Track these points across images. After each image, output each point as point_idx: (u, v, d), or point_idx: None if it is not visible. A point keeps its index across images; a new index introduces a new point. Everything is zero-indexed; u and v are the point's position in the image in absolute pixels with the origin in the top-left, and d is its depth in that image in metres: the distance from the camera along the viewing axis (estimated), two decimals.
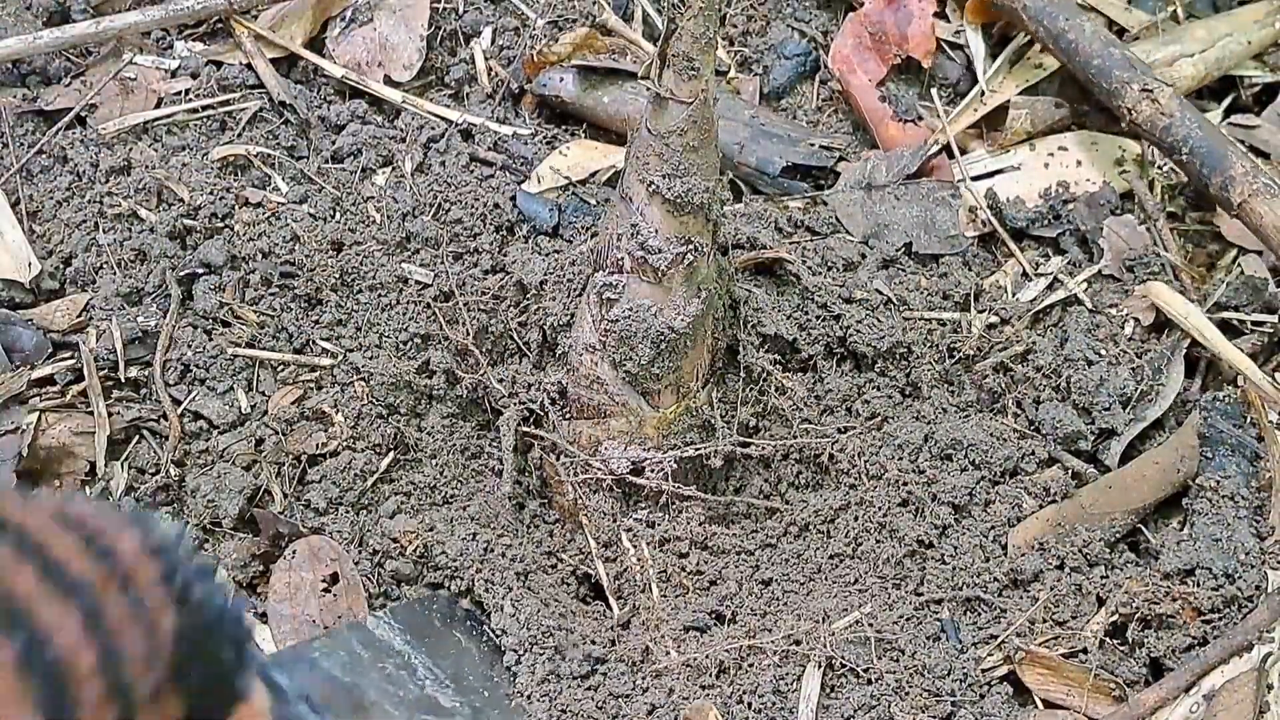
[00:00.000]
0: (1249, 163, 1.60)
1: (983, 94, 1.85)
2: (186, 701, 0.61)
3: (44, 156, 1.71)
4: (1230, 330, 1.63)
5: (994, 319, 1.66)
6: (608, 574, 1.50)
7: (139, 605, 0.60)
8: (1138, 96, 1.66)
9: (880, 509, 1.50)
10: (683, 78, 1.28)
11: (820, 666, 1.37)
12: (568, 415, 1.53)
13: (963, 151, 1.82)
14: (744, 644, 1.40)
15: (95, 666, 0.56)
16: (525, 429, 1.56)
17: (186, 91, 1.77)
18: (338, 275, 1.60)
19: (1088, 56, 1.71)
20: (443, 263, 1.62)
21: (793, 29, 1.94)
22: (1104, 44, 1.71)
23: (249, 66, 1.80)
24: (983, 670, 1.39)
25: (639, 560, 1.49)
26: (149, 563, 0.61)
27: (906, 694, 1.35)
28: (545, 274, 1.58)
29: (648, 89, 1.32)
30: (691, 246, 1.37)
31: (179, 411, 1.53)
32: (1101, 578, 1.44)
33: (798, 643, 1.39)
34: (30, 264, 1.61)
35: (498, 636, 1.41)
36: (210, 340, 1.57)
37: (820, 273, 1.64)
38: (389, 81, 1.82)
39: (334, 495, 1.51)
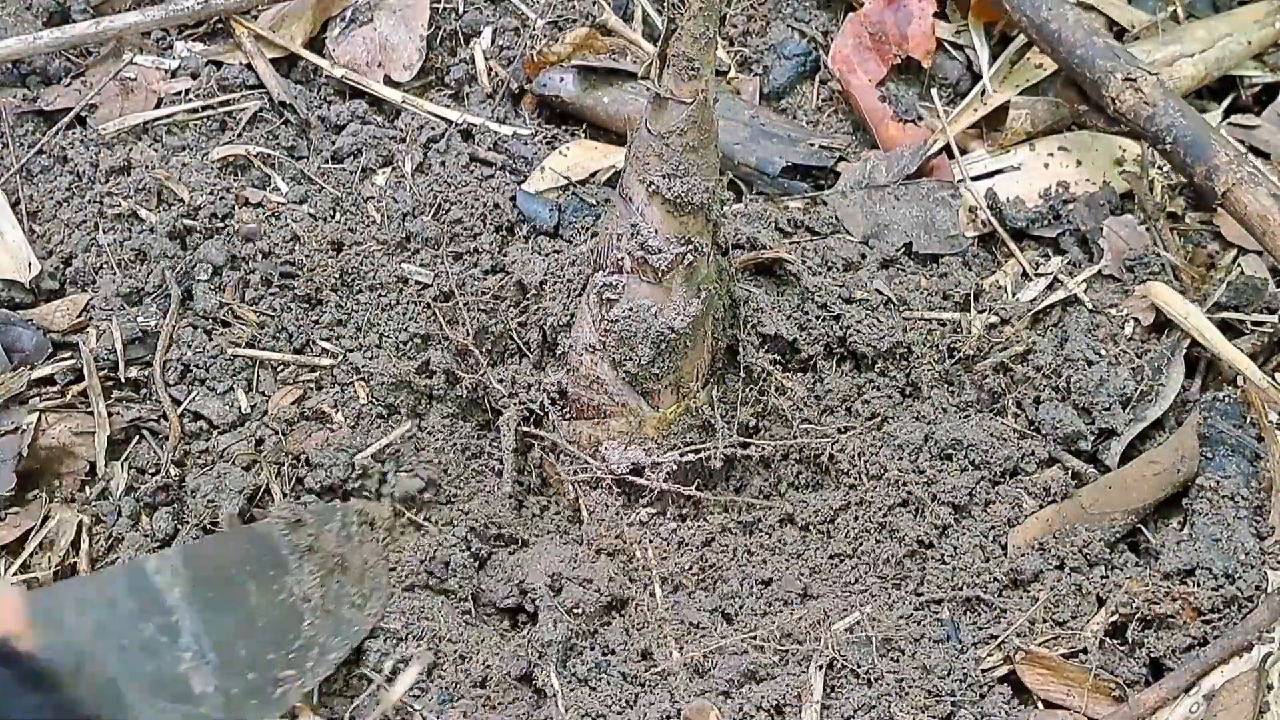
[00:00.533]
0: (1233, 151, 1.59)
1: (984, 94, 1.85)
2: None
3: (44, 156, 1.71)
4: (1230, 330, 1.63)
5: (994, 319, 1.66)
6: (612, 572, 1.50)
7: None
8: (1121, 86, 1.65)
9: (880, 509, 1.50)
10: (683, 78, 1.28)
11: (821, 667, 1.37)
12: (568, 415, 1.53)
13: (963, 151, 1.82)
14: (745, 644, 1.40)
15: None
16: (525, 429, 1.55)
17: (186, 91, 1.77)
18: (338, 275, 1.60)
19: (1071, 46, 1.71)
20: (443, 263, 1.62)
21: (793, 29, 1.94)
22: (1087, 33, 1.70)
23: (249, 66, 1.80)
24: (983, 670, 1.39)
25: (642, 560, 1.49)
26: None
27: (906, 694, 1.35)
28: (545, 274, 1.58)
29: (648, 89, 1.32)
30: (691, 246, 1.37)
31: (179, 411, 1.53)
32: (1101, 578, 1.44)
33: (799, 643, 1.39)
34: (30, 264, 1.61)
35: (301, 592, 1.30)
36: (210, 340, 1.57)
37: (820, 273, 1.64)
38: (389, 81, 1.82)
39: None
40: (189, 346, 1.56)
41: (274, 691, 1.24)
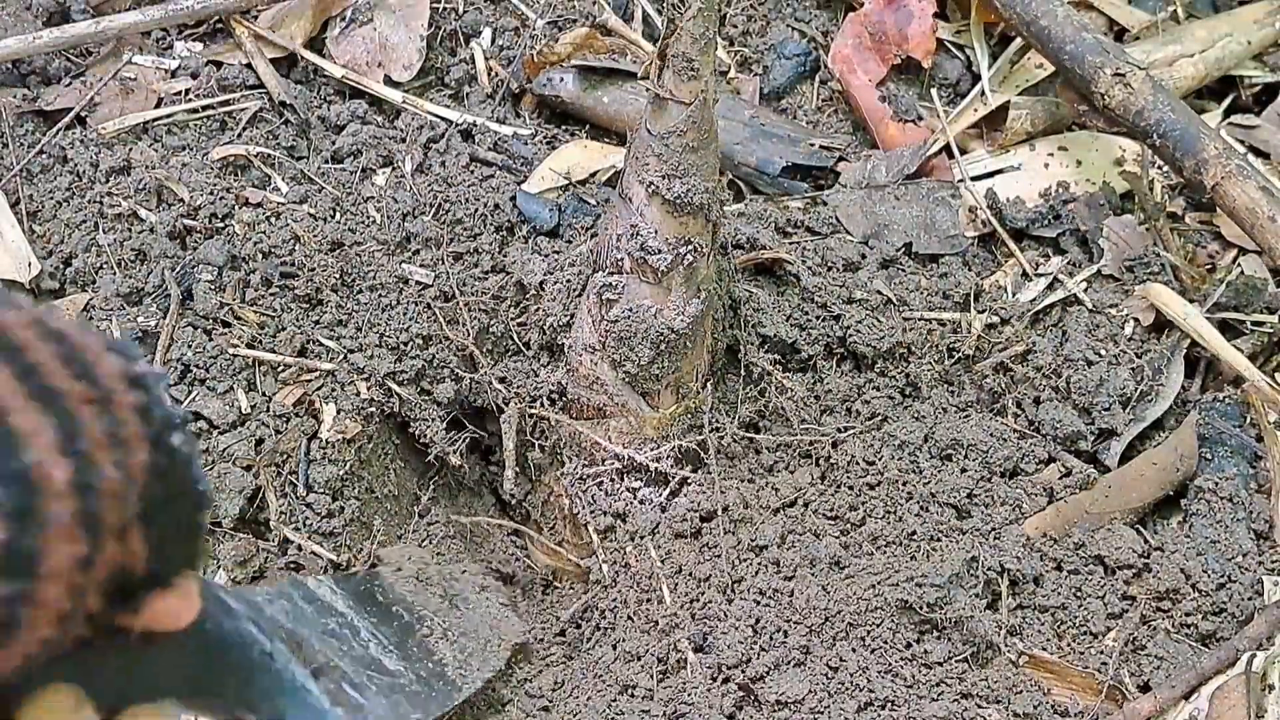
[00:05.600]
0: (1221, 144, 1.58)
1: (984, 94, 1.85)
2: (147, 546, 0.57)
3: (44, 156, 1.70)
4: (1230, 330, 1.63)
5: (994, 319, 1.66)
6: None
7: (116, 432, 0.56)
8: (1110, 81, 1.64)
9: (880, 509, 1.50)
10: (682, 78, 1.28)
11: (823, 666, 1.37)
12: (568, 416, 1.53)
13: (963, 151, 1.82)
14: (750, 645, 1.40)
15: (67, 486, 0.53)
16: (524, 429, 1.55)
17: (186, 91, 1.77)
18: (338, 275, 1.60)
19: (1060, 42, 1.70)
20: (443, 263, 1.62)
21: (793, 29, 1.94)
22: (1076, 29, 1.69)
23: (249, 66, 1.80)
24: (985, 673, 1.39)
25: (646, 560, 1.48)
26: (129, 391, 0.58)
27: (908, 698, 1.35)
28: (545, 274, 1.57)
29: (648, 89, 1.32)
30: (691, 247, 1.37)
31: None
32: (1101, 579, 1.44)
33: (803, 648, 1.38)
34: (30, 264, 1.61)
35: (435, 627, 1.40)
36: (210, 340, 1.57)
37: (820, 273, 1.64)
38: (389, 81, 1.82)
39: None
40: (189, 346, 1.56)
41: (453, 677, 1.34)
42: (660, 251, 1.36)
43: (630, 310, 1.40)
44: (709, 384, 1.52)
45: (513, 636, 1.44)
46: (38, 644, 0.54)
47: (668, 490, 1.50)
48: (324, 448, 1.51)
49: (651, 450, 1.48)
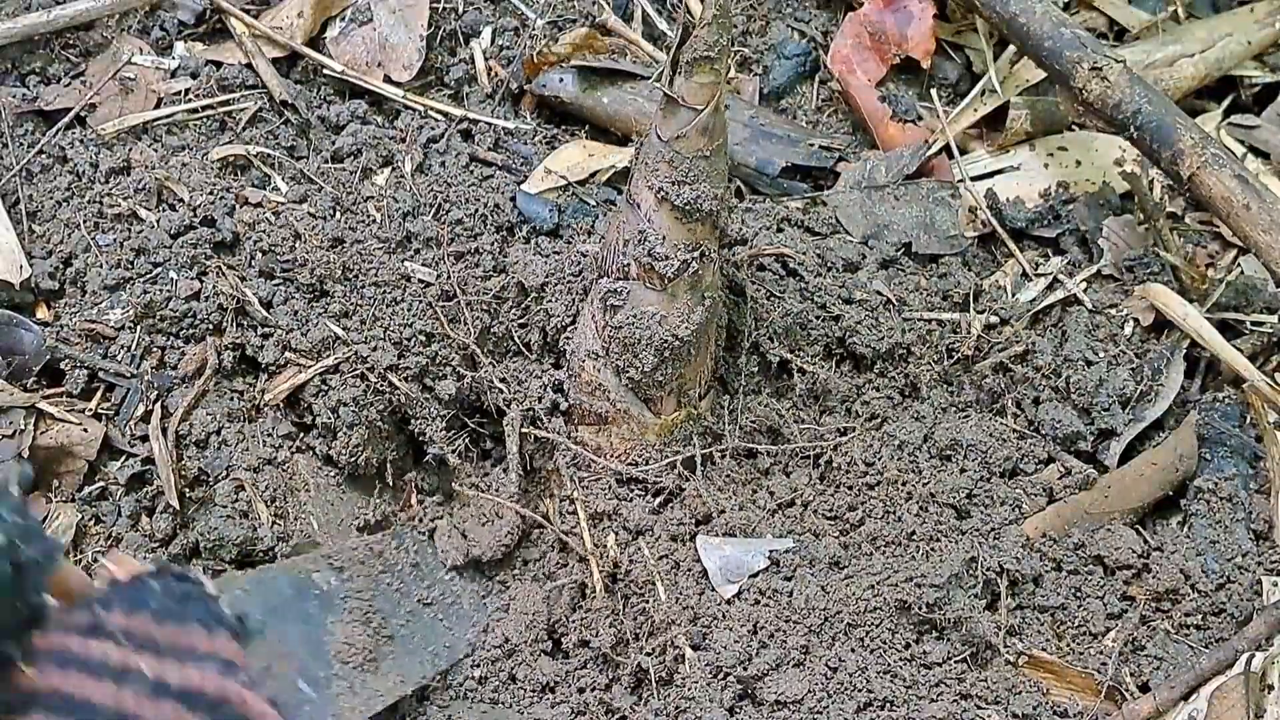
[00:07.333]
0: (1198, 134, 1.58)
1: (984, 94, 1.85)
2: None
3: (44, 156, 1.70)
4: (1230, 330, 1.63)
5: (993, 319, 1.66)
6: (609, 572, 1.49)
7: None
8: (1087, 75, 1.63)
9: (879, 510, 1.50)
10: (694, 84, 1.27)
11: (823, 666, 1.37)
12: (570, 422, 1.52)
13: (963, 151, 1.82)
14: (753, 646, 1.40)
15: None
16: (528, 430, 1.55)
17: (186, 91, 1.77)
18: (340, 271, 1.60)
19: (1039, 39, 1.69)
20: (443, 262, 1.62)
21: (793, 29, 1.94)
22: (1055, 24, 1.68)
23: (249, 66, 1.79)
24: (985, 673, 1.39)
25: (643, 559, 1.49)
26: None
27: (907, 698, 1.35)
28: (546, 276, 1.57)
29: (661, 94, 1.31)
30: (699, 254, 1.37)
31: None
32: (1101, 579, 1.44)
33: (803, 648, 1.39)
34: (22, 266, 1.59)
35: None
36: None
37: (820, 273, 1.64)
38: (389, 81, 1.82)
39: None
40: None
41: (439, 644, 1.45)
42: (668, 258, 1.36)
43: (635, 316, 1.40)
44: (712, 390, 1.52)
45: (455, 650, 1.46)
46: None
47: (665, 494, 1.50)
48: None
49: (654, 465, 1.48)
